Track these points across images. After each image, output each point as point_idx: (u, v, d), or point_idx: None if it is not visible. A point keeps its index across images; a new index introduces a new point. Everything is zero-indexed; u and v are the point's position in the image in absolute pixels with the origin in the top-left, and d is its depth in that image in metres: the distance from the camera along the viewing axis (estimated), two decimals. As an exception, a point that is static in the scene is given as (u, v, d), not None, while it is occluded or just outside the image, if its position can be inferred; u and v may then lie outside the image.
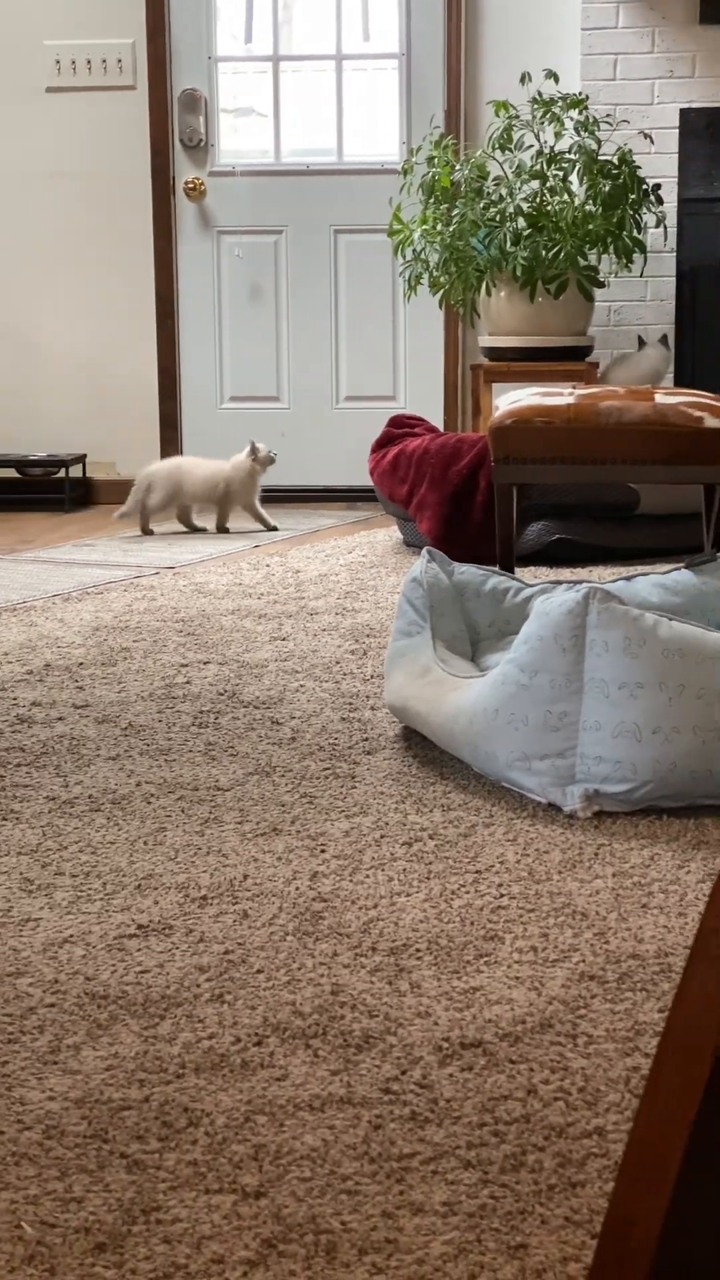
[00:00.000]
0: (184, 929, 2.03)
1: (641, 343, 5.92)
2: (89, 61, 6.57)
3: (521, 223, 5.68)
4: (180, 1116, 1.55)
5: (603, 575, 4.56)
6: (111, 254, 6.69)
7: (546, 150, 5.78)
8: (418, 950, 1.94)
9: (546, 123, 5.79)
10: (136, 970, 1.90)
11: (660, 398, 3.88)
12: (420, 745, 2.85)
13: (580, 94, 5.92)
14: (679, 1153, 1.00)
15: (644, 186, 5.78)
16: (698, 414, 3.78)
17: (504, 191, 5.74)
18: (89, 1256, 1.32)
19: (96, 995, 1.83)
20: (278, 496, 6.68)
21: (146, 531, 5.81)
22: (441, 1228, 1.36)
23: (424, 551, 3.10)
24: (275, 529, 5.78)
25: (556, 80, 5.90)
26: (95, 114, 6.62)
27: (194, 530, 5.88)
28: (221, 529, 5.81)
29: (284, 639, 3.78)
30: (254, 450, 5.78)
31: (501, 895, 2.12)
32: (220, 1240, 1.34)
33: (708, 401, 3.86)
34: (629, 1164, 1.02)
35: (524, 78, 5.87)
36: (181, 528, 5.91)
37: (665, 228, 6.07)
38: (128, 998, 1.82)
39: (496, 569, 3.28)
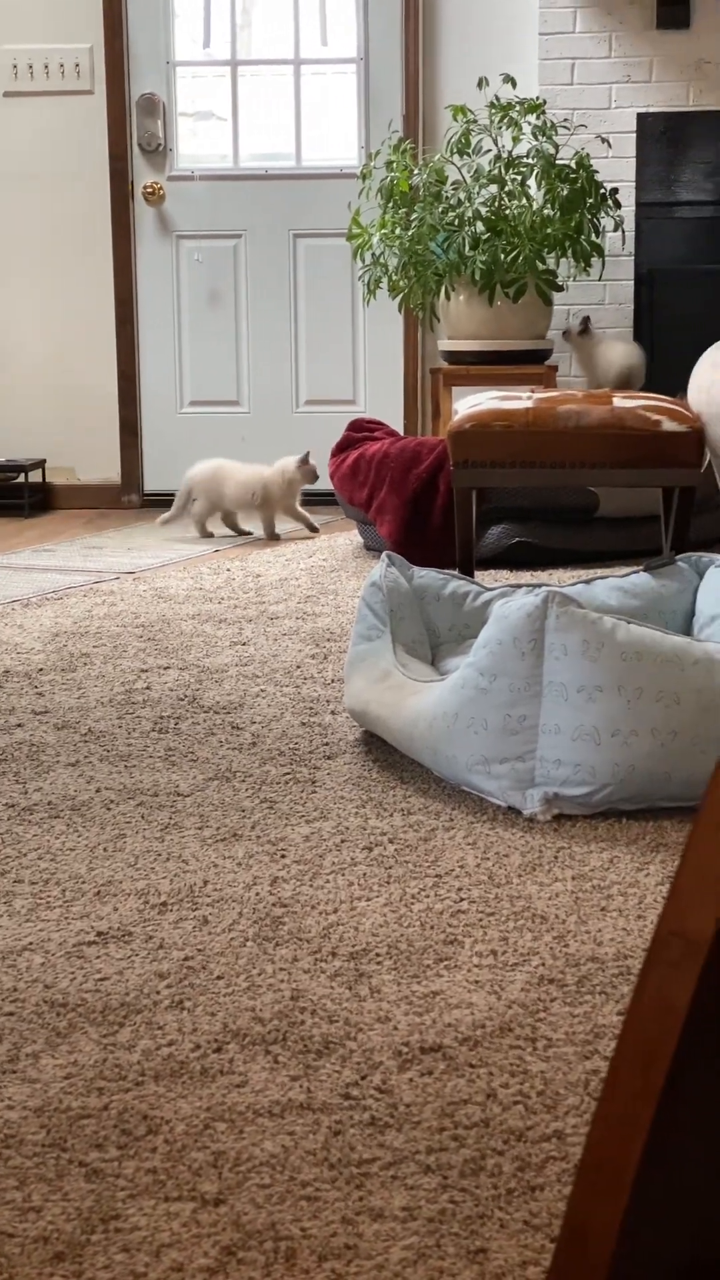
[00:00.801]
0: (144, 936, 2.02)
1: (585, 324, 5.98)
2: (46, 66, 6.55)
3: (480, 227, 5.69)
4: (139, 1124, 1.55)
5: (562, 578, 4.57)
6: (70, 259, 6.68)
7: (504, 154, 5.79)
8: (378, 955, 1.94)
9: (504, 127, 5.80)
10: (96, 978, 1.89)
11: (618, 401, 3.90)
12: (380, 750, 2.85)
13: (538, 98, 5.94)
14: (636, 1157, 1.00)
15: (602, 190, 5.80)
16: (655, 418, 3.80)
17: (462, 196, 5.75)
18: (47, 1266, 1.32)
19: (56, 1003, 1.82)
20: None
21: (206, 535, 5.75)
22: (401, 1233, 1.36)
23: (383, 556, 3.10)
24: (316, 530, 5.73)
25: (514, 85, 5.91)
26: (53, 118, 6.60)
27: (240, 534, 5.81)
28: (271, 535, 5.69)
29: (244, 644, 3.77)
30: (305, 460, 5.70)
31: (461, 899, 2.13)
32: (179, 1248, 1.34)
33: (665, 405, 3.88)
34: (586, 1168, 1.02)
35: (481, 82, 5.88)
36: (229, 532, 5.85)
37: (623, 232, 6.10)
38: (87, 1005, 1.82)
39: (456, 573, 3.29)
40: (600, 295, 6.34)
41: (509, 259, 5.61)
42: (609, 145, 6.16)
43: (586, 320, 6.13)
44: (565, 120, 6.09)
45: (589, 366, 6.08)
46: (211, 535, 5.77)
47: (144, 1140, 1.52)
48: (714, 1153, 1.09)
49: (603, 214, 5.82)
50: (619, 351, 6.04)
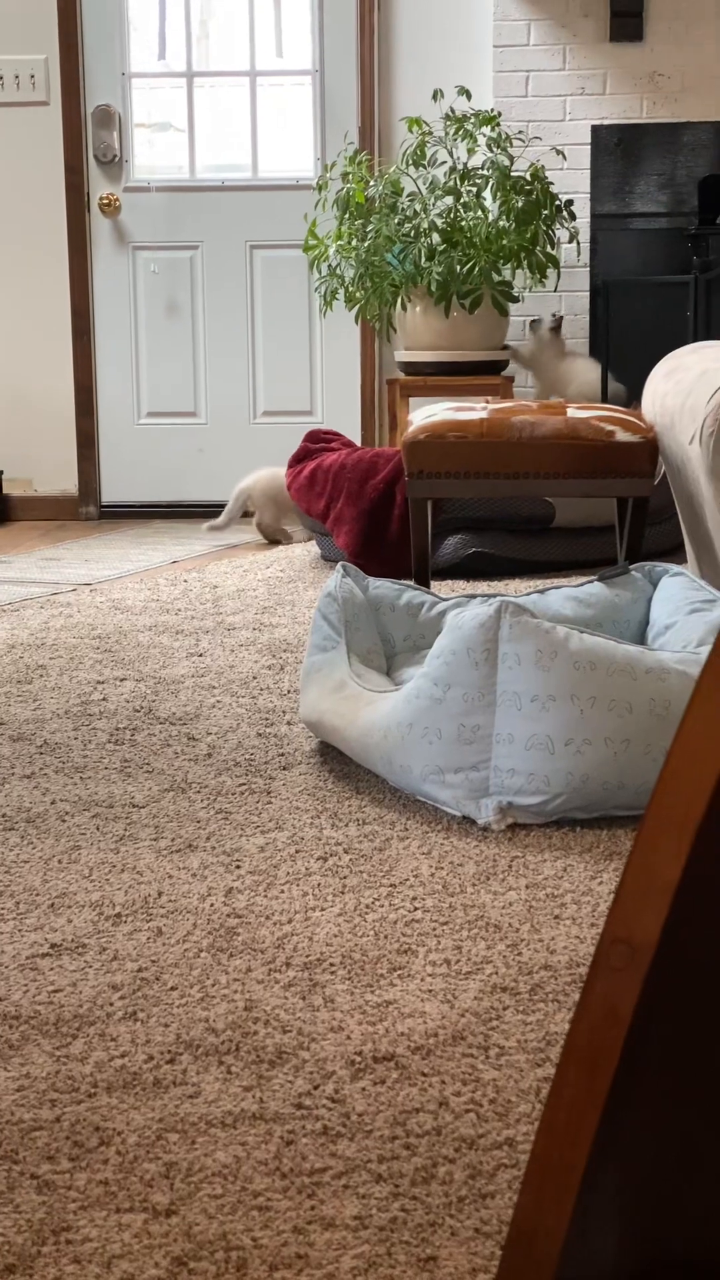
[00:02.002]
0: (97, 947, 2.02)
1: (558, 323, 6.01)
2: (1, 77, 6.54)
3: (436, 238, 5.71)
4: (91, 1136, 1.55)
5: (518, 588, 4.59)
6: (25, 270, 6.67)
7: (460, 166, 5.82)
8: (331, 965, 1.95)
9: (459, 139, 5.83)
10: (49, 989, 1.89)
11: (572, 412, 3.92)
12: (336, 760, 2.85)
13: (493, 111, 5.97)
14: (582, 1163, 1.01)
15: (557, 202, 5.83)
16: (609, 428, 3.82)
17: (418, 207, 5.77)
18: (-2, 1279, 1.32)
19: (8, 1015, 1.82)
20: (195, 511, 6.67)
21: (275, 543, 5.71)
22: (352, 1241, 1.36)
23: (339, 566, 3.11)
24: None
25: (469, 97, 5.94)
26: (8, 130, 6.59)
27: (275, 542, 5.79)
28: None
29: (201, 655, 3.77)
30: None
31: (415, 908, 2.13)
32: (130, 1259, 1.34)
33: (619, 416, 3.90)
34: (532, 1176, 1.03)
35: (436, 94, 5.91)
36: (261, 538, 5.81)
37: (578, 243, 6.13)
38: (40, 1017, 1.81)
39: (412, 583, 3.30)
40: (556, 306, 6.37)
41: (465, 270, 5.63)
42: (564, 157, 6.20)
43: (560, 320, 6.14)
44: (520, 132, 6.12)
45: (547, 370, 6.08)
46: (279, 542, 5.72)
47: (96, 1152, 1.52)
48: (661, 1157, 1.10)
49: (558, 225, 5.85)
50: (582, 368, 6.06)
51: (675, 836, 0.98)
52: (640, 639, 3.11)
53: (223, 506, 6.65)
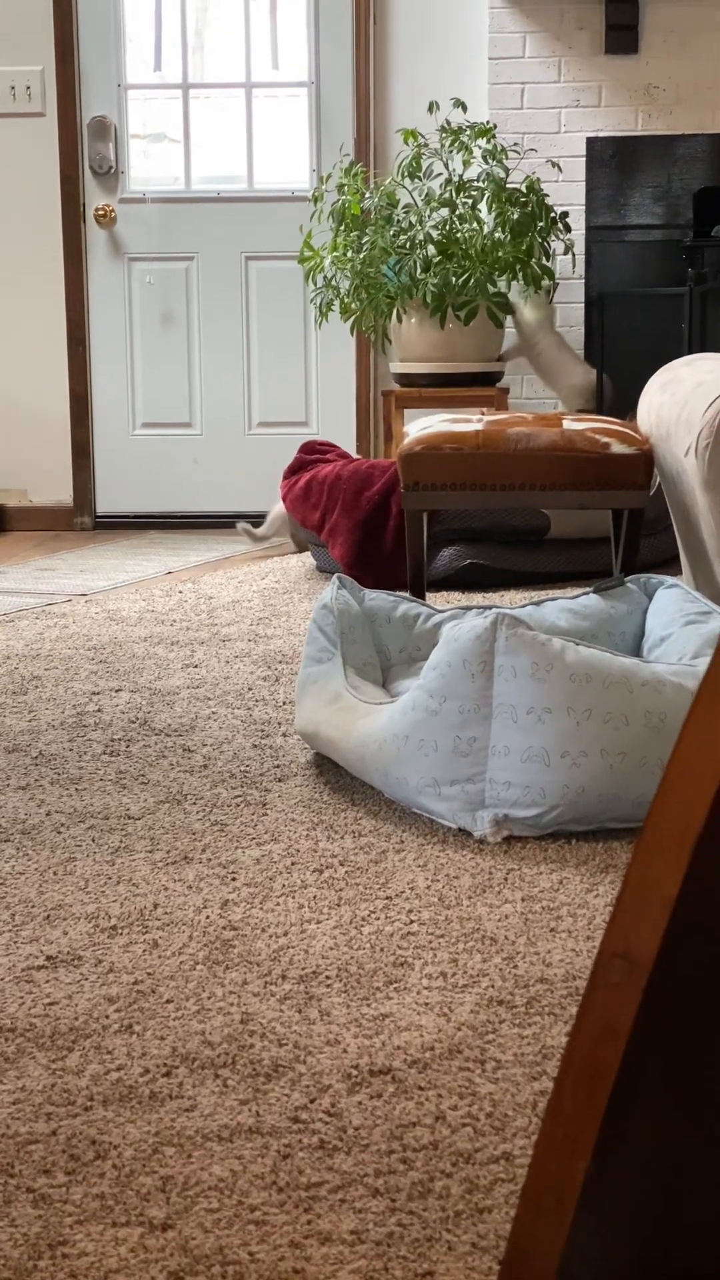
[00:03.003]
0: (93, 959, 2.02)
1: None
2: (-3, 88, 6.54)
3: (431, 250, 5.72)
4: (88, 1149, 1.54)
5: (514, 600, 4.59)
6: (21, 281, 6.67)
7: (455, 178, 5.82)
8: (327, 977, 1.94)
9: (455, 151, 5.83)
10: (45, 1002, 1.89)
11: (568, 424, 3.92)
12: (331, 772, 2.85)
13: (488, 123, 5.98)
14: (579, 1180, 1.01)
15: (552, 214, 5.83)
16: (605, 440, 3.82)
17: (414, 219, 5.78)
18: (-6, 1293, 1.31)
19: (3, 1028, 1.82)
20: (190, 523, 6.67)
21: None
22: (349, 1256, 1.36)
23: (334, 578, 3.11)
24: None
25: (464, 109, 5.95)
26: (4, 141, 6.60)
27: (304, 550, 5.74)
28: None
29: (196, 666, 3.77)
30: None
31: (411, 921, 2.13)
32: (127, 1274, 1.34)
33: (615, 428, 3.90)
34: (530, 1190, 1.02)
35: (432, 106, 5.92)
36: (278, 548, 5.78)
37: (573, 255, 6.13)
38: (35, 1030, 1.81)
39: (407, 595, 3.30)
40: (551, 319, 6.37)
41: (460, 282, 5.64)
42: (559, 169, 6.20)
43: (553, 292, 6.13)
44: (515, 144, 6.13)
45: (547, 352, 6.05)
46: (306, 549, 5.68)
47: (92, 1165, 1.51)
48: (660, 1170, 1.10)
49: (553, 237, 5.85)
50: (576, 367, 6.06)
51: (674, 850, 0.98)
52: (635, 651, 3.11)
53: (218, 517, 6.65)
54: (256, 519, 5.81)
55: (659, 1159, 1.09)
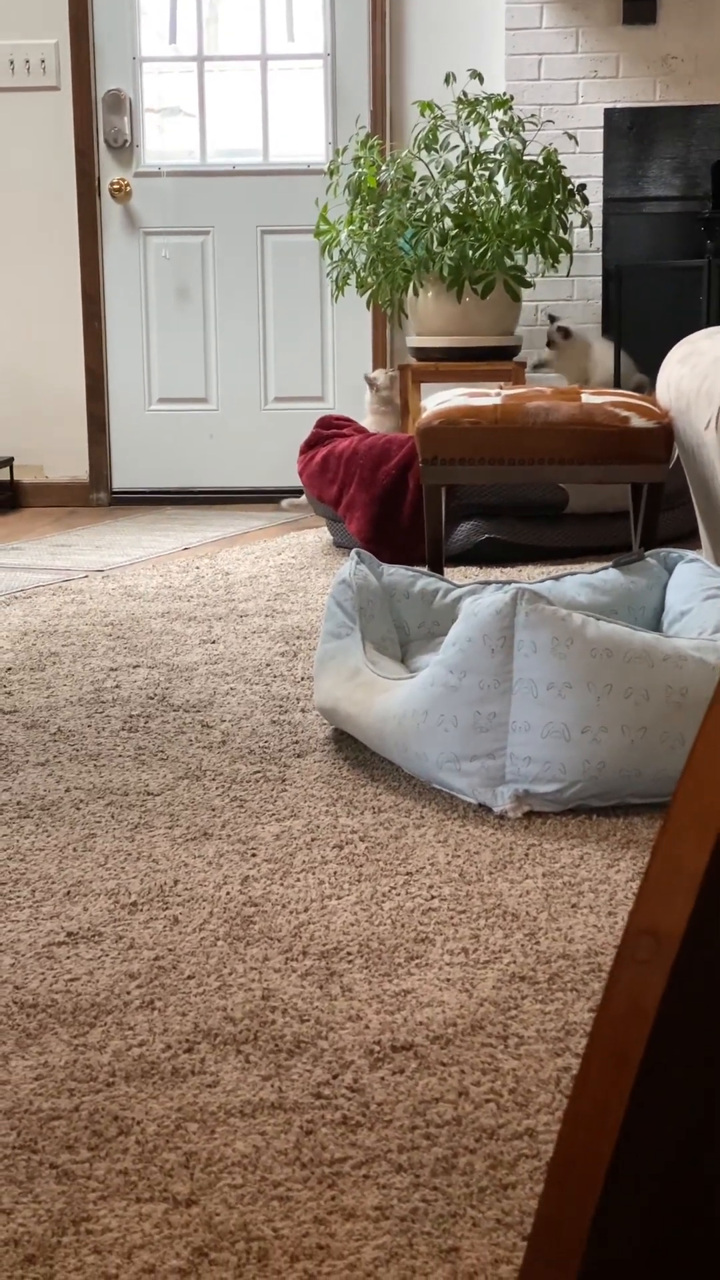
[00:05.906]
0: (114, 936, 2.01)
1: (566, 331, 5.99)
2: (11, 62, 6.52)
3: (448, 223, 5.69)
4: (110, 1125, 1.54)
5: (532, 575, 4.58)
6: (36, 255, 6.65)
7: (472, 150, 5.79)
8: (349, 953, 1.94)
9: (471, 123, 5.80)
10: (66, 978, 1.89)
11: (587, 397, 3.90)
12: (351, 747, 2.84)
13: (505, 94, 5.94)
14: (607, 1156, 1.00)
15: (569, 186, 5.80)
16: (624, 414, 3.80)
17: (430, 192, 5.75)
18: (18, 1269, 1.31)
19: (25, 1004, 1.82)
20: (206, 499, 6.67)
21: None
22: (373, 1232, 1.36)
23: (353, 553, 3.10)
24: None
25: (481, 81, 5.92)
26: (19, 115, 6.58)
27: None
28: None
29: (214, 641, 3.77)
30: None
31: (432, 897, 2.13)
32: (151, 1249, 1.34)
33: (634, 401, 3.88)
34: (557, 1167, 1.02)
35: (449, 78, 5.88)
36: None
37: (591, 227, 6.11)
38: (57, 1006, 1.81)
39: (425, 570, 3.29)
40: (569, 291, 6.35)
41: (477, 255, 5.61)
42: (576, 141, 6.17)
43: (555, 320, 6.15)
44: (532, 116, 6.10)
45: (578, 370, 6.08)
46: None
47: (115, 1141, 1.51)
48: (687, 1149, 1.09)
49: (570, 210, 5.82)
50: (601, 352, 6.05)
51: (702, 825, 0.97)
52: (655, 625, 3.10)
53: (235, 492, 6.65)
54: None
55: (687, 1137, 1.08)
